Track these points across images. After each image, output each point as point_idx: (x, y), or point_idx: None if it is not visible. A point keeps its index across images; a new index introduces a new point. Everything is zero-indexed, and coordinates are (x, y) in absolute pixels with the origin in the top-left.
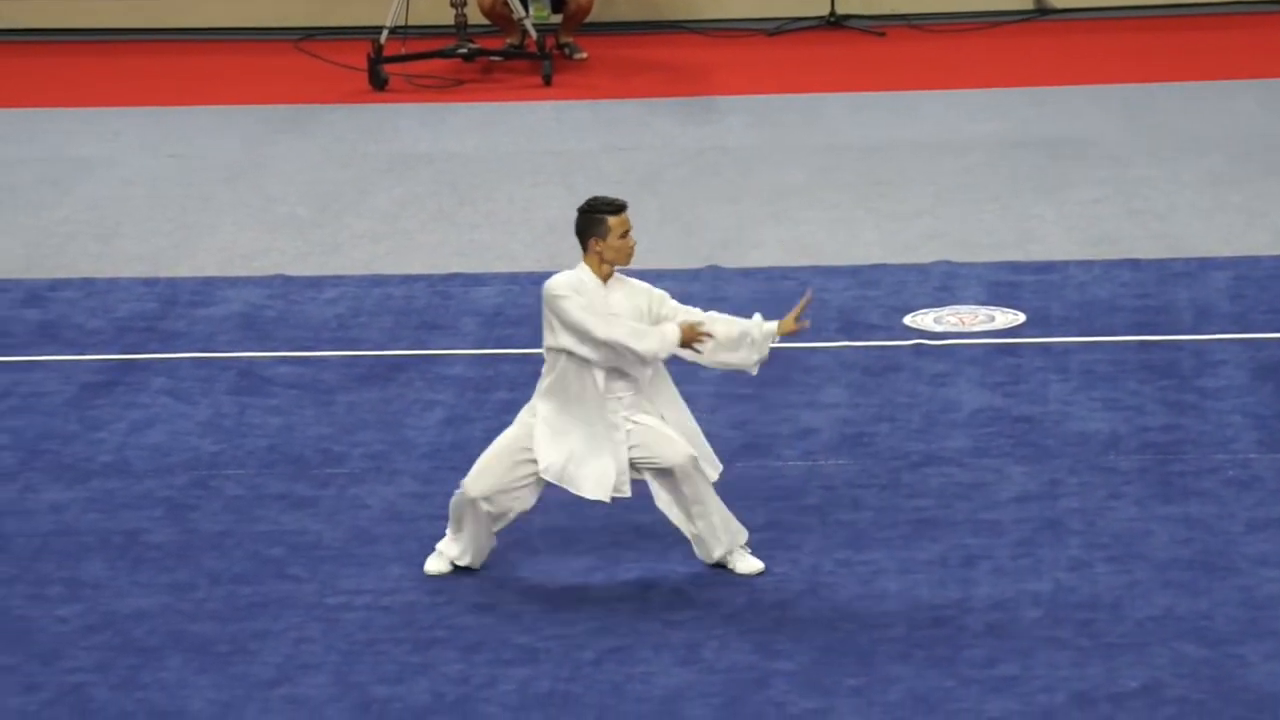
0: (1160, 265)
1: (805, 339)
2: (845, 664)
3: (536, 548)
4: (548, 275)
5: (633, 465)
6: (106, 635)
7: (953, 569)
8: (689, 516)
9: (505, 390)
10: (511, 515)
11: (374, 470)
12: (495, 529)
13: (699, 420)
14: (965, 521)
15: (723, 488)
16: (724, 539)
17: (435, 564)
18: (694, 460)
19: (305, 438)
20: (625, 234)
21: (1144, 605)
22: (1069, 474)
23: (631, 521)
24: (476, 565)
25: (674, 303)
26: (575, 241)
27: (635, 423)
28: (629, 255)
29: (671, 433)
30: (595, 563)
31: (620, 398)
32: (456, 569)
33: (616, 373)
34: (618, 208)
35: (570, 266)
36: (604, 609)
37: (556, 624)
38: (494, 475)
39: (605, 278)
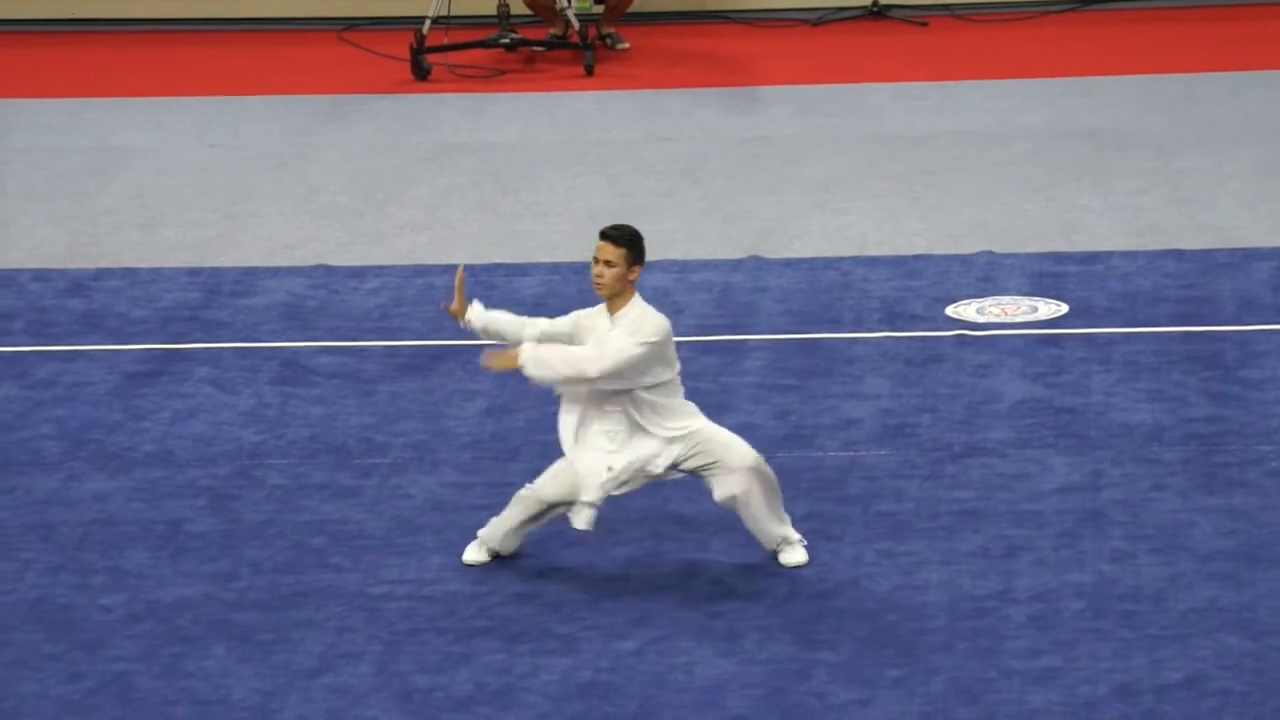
0: (1204, 256)
1: (847, 329)
2: (887, 655)
3: (577, 538)
4: (590, 264)
5: (691, 471)
6: (149, 624)
7: (995, 560)
8: (742, 518)
9: None
10: (556, 513)
11: (416, 460)
12: (533, 526)
13: (743, 413)
14: (1007, 512)
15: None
16: (770, 541)
17: (474, 554)
18: (760, 465)
19: (347, 427)
20: (595, 261)
21: (1187, 597)
22: (1112, 465)
23: (673, 512)
24: (506, 553)
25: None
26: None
27: (690, 432)
28: (596, 282)
29: (732, 439)
30: (636, 553)
31: (608, 431)
32: (496, 559)
33: (607, 406)
34: (601, 234)
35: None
36: (645, 599)
37: (598, 614)
38: (565, 482)
39: (613, 311)
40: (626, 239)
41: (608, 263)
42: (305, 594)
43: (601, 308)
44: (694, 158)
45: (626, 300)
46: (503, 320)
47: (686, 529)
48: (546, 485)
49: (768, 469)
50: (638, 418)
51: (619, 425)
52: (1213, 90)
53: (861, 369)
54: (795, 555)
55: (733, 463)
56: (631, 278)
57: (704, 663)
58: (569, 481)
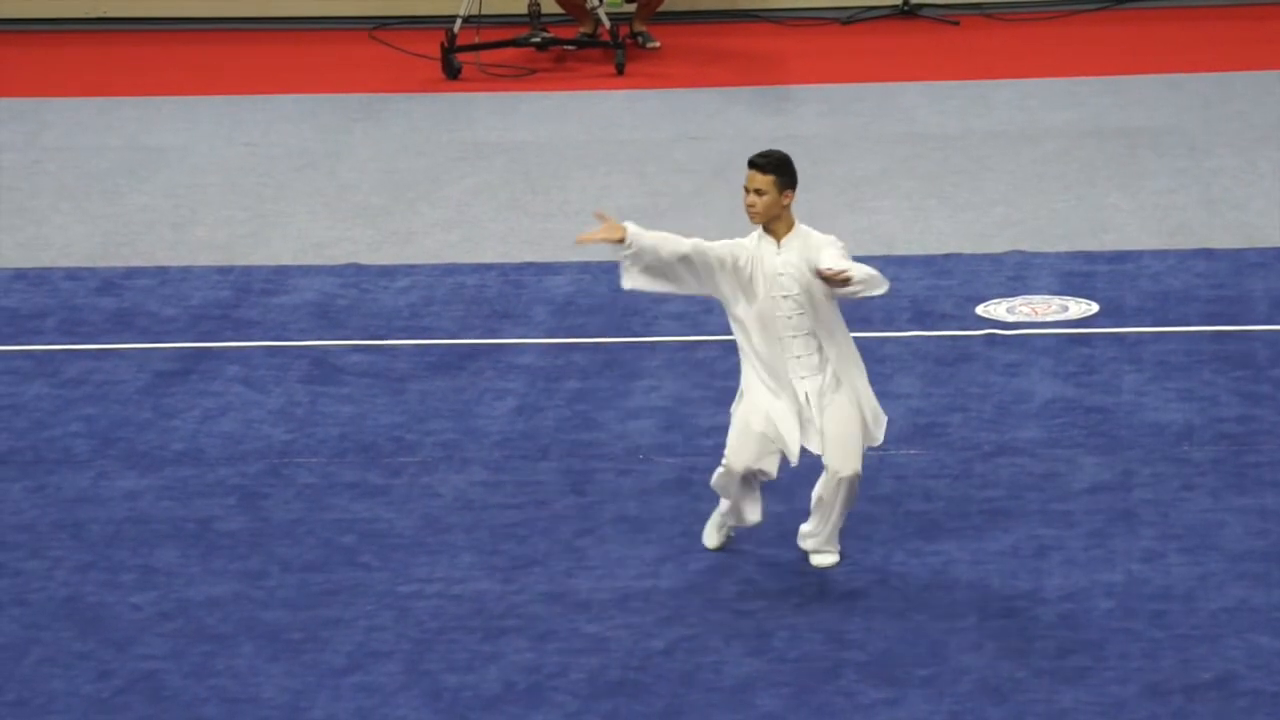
0: (1235, 255)
1: (877, 328)
2: (916, 654)
3: (607, 537)
4: (619, 265)
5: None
6: (179, 622)
7: (1024, 559)
8: (815, 507)
9: (576, 379)
10: (762, 479)
11: (445, 459)
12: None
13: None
14: (1037, 512)
15: (794, 477)
16: (815, 541)
17: (713, 537)
18: (856, 479)
19: (377, 426)
20: (746, 190)
21: (1217, 597)
22: (1142, 465)
23: (702, 511)
24: (758, 519)
25: (830, 248)
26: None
27: (824, 410)
28: (749, 211)
29: (854, 441)
30: (666, 552)
31: (799, 357)
32: (730, 539)
33: (791, 333)
34: (749, 162)
35: None
36: (674, 598)
37: (627, 613)
38: (750, 448)
39: (777, 236)
40: (774, 164)
41: (758, 191)
42: (335, 593)
43: (762, 234)
44: (725, 157)
45: (789, 226)
46: (659, 240)
47: None
48: (735, 455)
49: (857, 486)
50: (828, 348)
51: (811, 352)
52: (1245, 89)
53: (891, 368)
54: (826, 559)
55: (833, 466)
56: (785, 202)
57: (733, 662)
58: (755, 442)
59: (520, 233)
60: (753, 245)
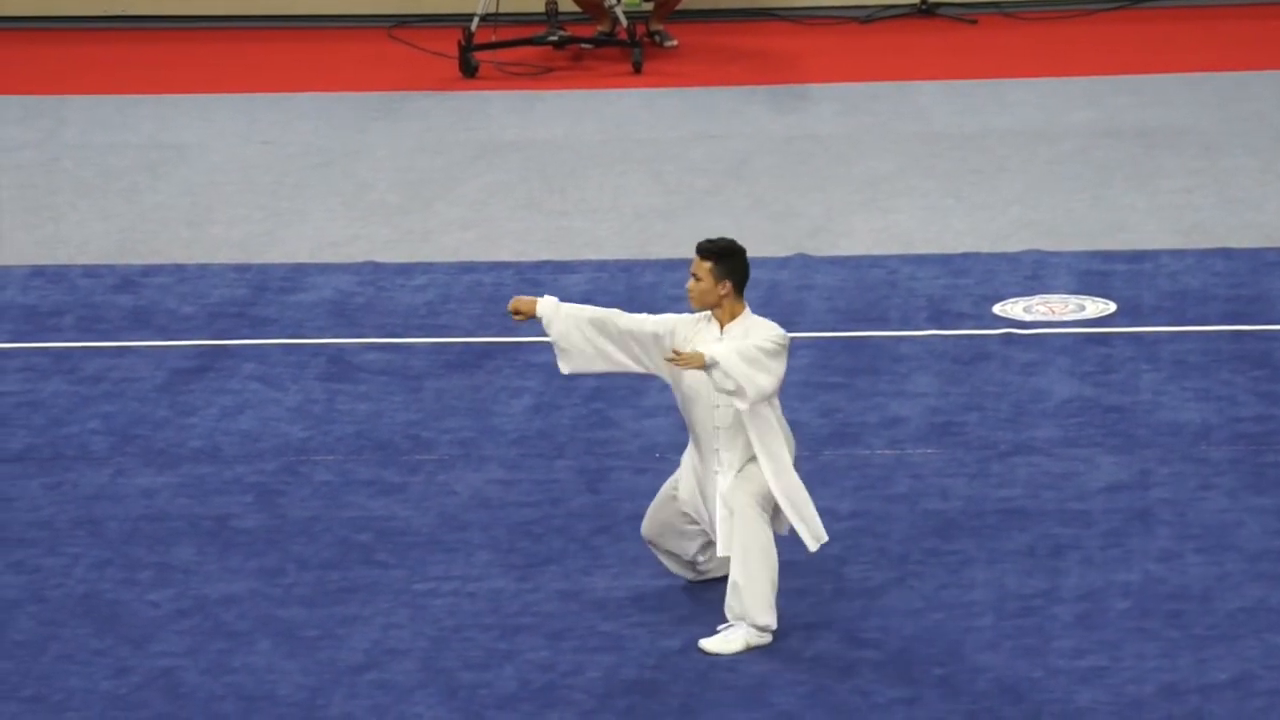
0: (1253, 255)
1: (894, 327)
2: (932, 653)
3: (623, 535)
4: (636, 262)
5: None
6: (196, 619)
7: (1041, 559)
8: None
9: (593, 377)
10: (688, 555)
11: (462, 457)
12: (690, 563)
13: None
14: (1054, 511)
15: (810, 475)
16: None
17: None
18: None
19: (394, 424)
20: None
21: (1234, 597)
22: (1160, 464)
23: None
24: (705, 572)
25: (744, 339)
26: (663, 228)
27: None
28: (688, 295)
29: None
30: None
31: (717, 450)
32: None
33: (715, 423)
34: (696, 247)
35: (656, 253)
36: (689, 596)
37: (643, 611)
38: (657, 519)
39: (721, 323)
40: (714, 251)
41: (695, 276)
42: (351, 590)
43: (710, 317)
44: (741, 155)
45: (733, 315)
46: (582, 318)
47: None
48: (645, 523)
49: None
50: (754, 444)
51: (732, 447)
52: (1263, 89)
53: (908, 367)
54: (714, 642)
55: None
56: (721, 292)
57: (748, 660)
58: (666, 514)
59: (537, 231)
60: (691, 324)
